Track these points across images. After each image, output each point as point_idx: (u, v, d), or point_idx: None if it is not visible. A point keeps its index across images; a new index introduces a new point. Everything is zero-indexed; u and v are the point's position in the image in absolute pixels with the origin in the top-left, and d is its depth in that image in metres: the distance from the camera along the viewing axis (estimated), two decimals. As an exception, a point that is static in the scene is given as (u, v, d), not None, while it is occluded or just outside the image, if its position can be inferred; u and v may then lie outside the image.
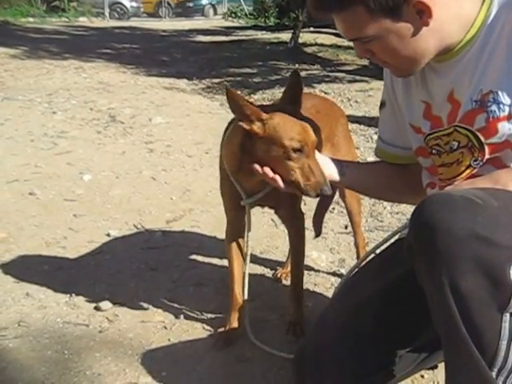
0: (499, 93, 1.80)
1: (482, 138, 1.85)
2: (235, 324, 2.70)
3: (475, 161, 1.89)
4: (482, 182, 1.71)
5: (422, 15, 1.76)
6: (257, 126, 2.17)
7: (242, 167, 2.33)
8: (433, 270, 1.54)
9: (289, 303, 2.79)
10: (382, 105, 2.26)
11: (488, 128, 1.83)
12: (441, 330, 1.62)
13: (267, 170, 2.16)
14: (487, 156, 1.86)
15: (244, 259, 2.71)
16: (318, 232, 3.20)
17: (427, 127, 2.01)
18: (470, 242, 1.48)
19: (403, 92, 2.10)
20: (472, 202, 1.53)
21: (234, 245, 2.71)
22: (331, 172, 2.24)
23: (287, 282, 3.08)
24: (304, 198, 2.50)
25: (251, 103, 2.20)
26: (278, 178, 2.16)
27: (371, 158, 5.30)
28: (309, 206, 3.61)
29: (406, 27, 1.79)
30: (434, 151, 2.00)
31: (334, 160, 2.31)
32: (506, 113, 1.79)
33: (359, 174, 2.34)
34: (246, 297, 2.68)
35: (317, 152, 2.23)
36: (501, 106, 1.80)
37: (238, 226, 2.68)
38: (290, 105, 2.27)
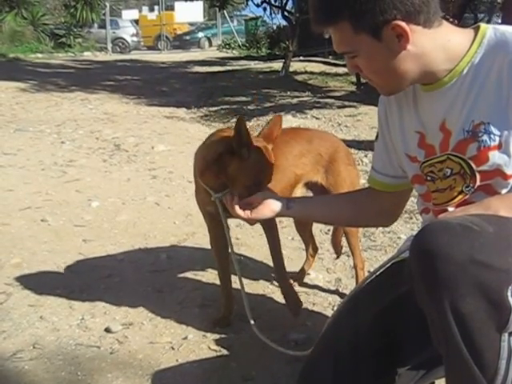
0: (490, 124, 1.80)
1: (473, 166, 1.85)
2: (226, 312, 2.95)
3: (467, 187, 1.89)
4: (474, 209, 1.70)
5: (401, 39, 1.77)
6: (243, 152, 2.39)
7: (207, 172, 2.57)
8: (434, 293, 1.53)
9: (280, 288, 2.92)
10: (377, 137, 2.26)
11: (479, 156, 1.83)
12: (442, 349, 1.61)
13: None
14: (478, 183, 1.86)
15: (227, 263, 2.95)
16: (338, 253, 3.47)
17: (422, 156, 2.00)
18: (468, 266, 1.47)
19: (398, 124, 2.09)
20: (469, 229, 1.52)
21: (217, 246, 2.92)
22: (273, 208, 2.31)
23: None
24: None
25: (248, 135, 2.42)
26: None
27: (363, 181, 5.29)
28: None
29: (386, 47, 1.80)
30: (428, 178, 1.99)
31: (281, 198, 2.36)
32: (497, 142, 1.79)
33: (307, 208, 2.40)
34: (248, 314, 2.62)
35: (268, 192, 2.38)
36: (491, 136, 1.80)
37: (218, 234, 2.84)
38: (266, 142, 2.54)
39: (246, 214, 2.32)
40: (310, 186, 3.03)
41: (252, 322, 2.61)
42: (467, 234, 1.52)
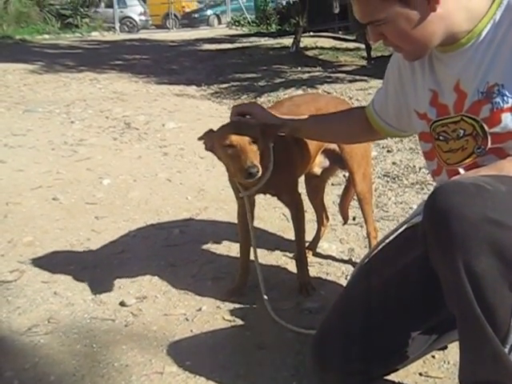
0: (504, 85, 1.82)
1: (486, 128, 1.87)
2: (241, 283, 3.01)
3: (478, 148, 1.92)
4: (486, 171, 1.73)
5: (430, 1, 1.81)
6: (209, 145, 2.64)
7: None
8: (448, 253, 1.56)
9: (296, 269, 3.02)
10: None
11: (492, 118, 1.86)
12: (455, 309, 1.63)
13: None
14: (490, 145, 1.89)
15: (249, 235, 2.93)
16: (345, 219, 3.52)
17: (433, 114, 2.03)
18: (482, 225, 1.50)
19: (411, 80, 2.15)
20: (482, 188, 1.55)
21: (243, 222, 2.95)
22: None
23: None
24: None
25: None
26: None
27: (374, 153, 5.30)
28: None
29: (415, 12, 1.84)
30: (441, 137, 2.02)
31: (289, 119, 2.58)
32: (510, 104, 1.83)
33: (316, 128, 2.60)
34: (263, 288, 2.76)
35: (269, 113, 2.64)
36: (505, 98, 1.83)
37: (245, 210, 2.90)
38: None
39: None
40: (326, 152, 3.08)
41: (265, 297, 2.73)
42: (480, 193, 1.55)
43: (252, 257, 2.93)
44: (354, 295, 2.15)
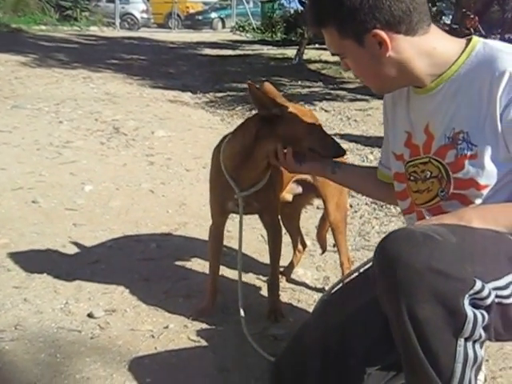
0: (469, 133, 1.96)
1: (450, 172, 2.00)
2: (209, 303, 3.11)
3: (442, 191, 2.05)
4: (448, 218, 1.86)
5: (381, 46, 1.96)
6: (276, 111, 2.59)
7: (243, 164, 2.75)
8: (393, 298, 1.69)
9: (268, 294, 3.16)
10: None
11: (456, 163, 2.00)
12: (401, 352, 1.76)
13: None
14: (452, 190, 2.01)
15: (220, 254, 3.20)
16: (323, 248, 3.64)
17: (407, 155, 2.17)
18: (426, 274, 1.63)
19: (391, 122, 2.30)
20: (431, 238, 1.68)
21: (215, 241, 3.15)
22: (323, 166, 2.56)
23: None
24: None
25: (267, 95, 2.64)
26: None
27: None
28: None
29: (369, 53, 2.00)
30: (411, 178, 2.16)
31: (327, 161, 2.57)
32: (473, 152, 1.96)
33: (349, 177, 2.61)
34: (240, 302, 2.87)
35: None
36: (469, 145, 1.96)
37: (220, 228, 3.14)
38: None
39: (298, 166, 2.57)
40: (299, 182, 3.19)
41: (242, 313, 2.83)
42: (428, 243, 1.68)
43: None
44: (311, 329, 2.24)
